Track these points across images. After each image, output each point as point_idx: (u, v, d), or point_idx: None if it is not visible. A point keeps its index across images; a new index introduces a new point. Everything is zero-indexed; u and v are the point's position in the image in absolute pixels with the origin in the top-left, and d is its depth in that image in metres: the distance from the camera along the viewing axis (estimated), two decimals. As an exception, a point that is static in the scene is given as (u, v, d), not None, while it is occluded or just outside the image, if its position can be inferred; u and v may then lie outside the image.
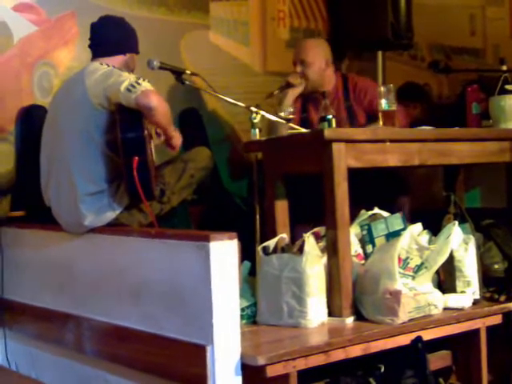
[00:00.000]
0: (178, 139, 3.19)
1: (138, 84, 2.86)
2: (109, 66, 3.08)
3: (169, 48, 4.26)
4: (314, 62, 3.83)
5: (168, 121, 3.04)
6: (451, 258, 3.03)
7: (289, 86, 3.77)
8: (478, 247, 3.18)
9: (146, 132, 2.91)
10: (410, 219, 3.32)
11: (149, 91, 2.86)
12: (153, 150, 3.11)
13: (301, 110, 3.94)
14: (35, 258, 3.41)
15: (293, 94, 3.77)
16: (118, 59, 3.21)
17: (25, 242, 3.49)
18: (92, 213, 3.01)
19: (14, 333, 3.53)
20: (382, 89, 3.26)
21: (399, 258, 2.86)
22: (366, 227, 3.17)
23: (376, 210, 3.25)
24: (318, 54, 3.86)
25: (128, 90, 2.85)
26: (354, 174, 2.96)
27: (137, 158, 2.85)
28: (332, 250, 2.90)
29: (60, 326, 3.19)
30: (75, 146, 3.04)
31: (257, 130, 3.34)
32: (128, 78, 2.89)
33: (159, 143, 3.24)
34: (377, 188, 3.60)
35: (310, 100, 3.92)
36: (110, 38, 3.22)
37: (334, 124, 3.25)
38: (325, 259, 2.93)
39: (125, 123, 2.91)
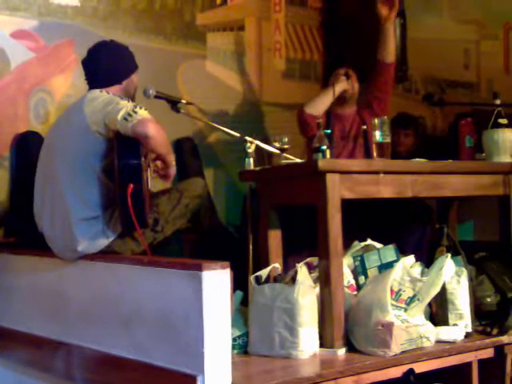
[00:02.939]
0: (173, 169, 3.17)
1: (135, 112, 2.86)
2: (109, 93, 3.09)
3: (166, 77, 4.29)
4: (356, 83, 4.22)
5: (166, 149, 3.03)
6: (443, 290, 3.03)
7: (347, 75, 4.15)
8: (471, 280, 3.18)
9: (142, 160, 2.92)
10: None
11: (145, 120, 2.86)
12: (149, 178, 3.11)
13: (325, 125, 4.08)
14: (26, 283, 3.39)
15: (343, 85, 4.14)
16: (116, 88, 3.21)
17: (16, 267, 3.47)
18: (86, 238, 3.00)
19: (4, 359, 3.49)
20: (376, 121, 3.28)
21: (392, 290, 2.86)
22: (359, 258, 3.17)
23: (369, 241, 3.26)
24: (358, 83, 4.26)
25: (125, 118, 2.86)
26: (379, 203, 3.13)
27: (132, 185, 2.86)
28: (324, 280, 2.90)
29: (50, 354, 3.17)
30: (71, 171, 3.03)
31: (251, 160, 3.35)
32: (125, 107, 2.89)
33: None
34: (403, 217, 3.83)
35: (335, 117, 4.16)
36: (102, 72, 3.19)
37: (328, 155, 3.27)
38: (317, 290, 2.92)
39: (122, 151, 2.91)
